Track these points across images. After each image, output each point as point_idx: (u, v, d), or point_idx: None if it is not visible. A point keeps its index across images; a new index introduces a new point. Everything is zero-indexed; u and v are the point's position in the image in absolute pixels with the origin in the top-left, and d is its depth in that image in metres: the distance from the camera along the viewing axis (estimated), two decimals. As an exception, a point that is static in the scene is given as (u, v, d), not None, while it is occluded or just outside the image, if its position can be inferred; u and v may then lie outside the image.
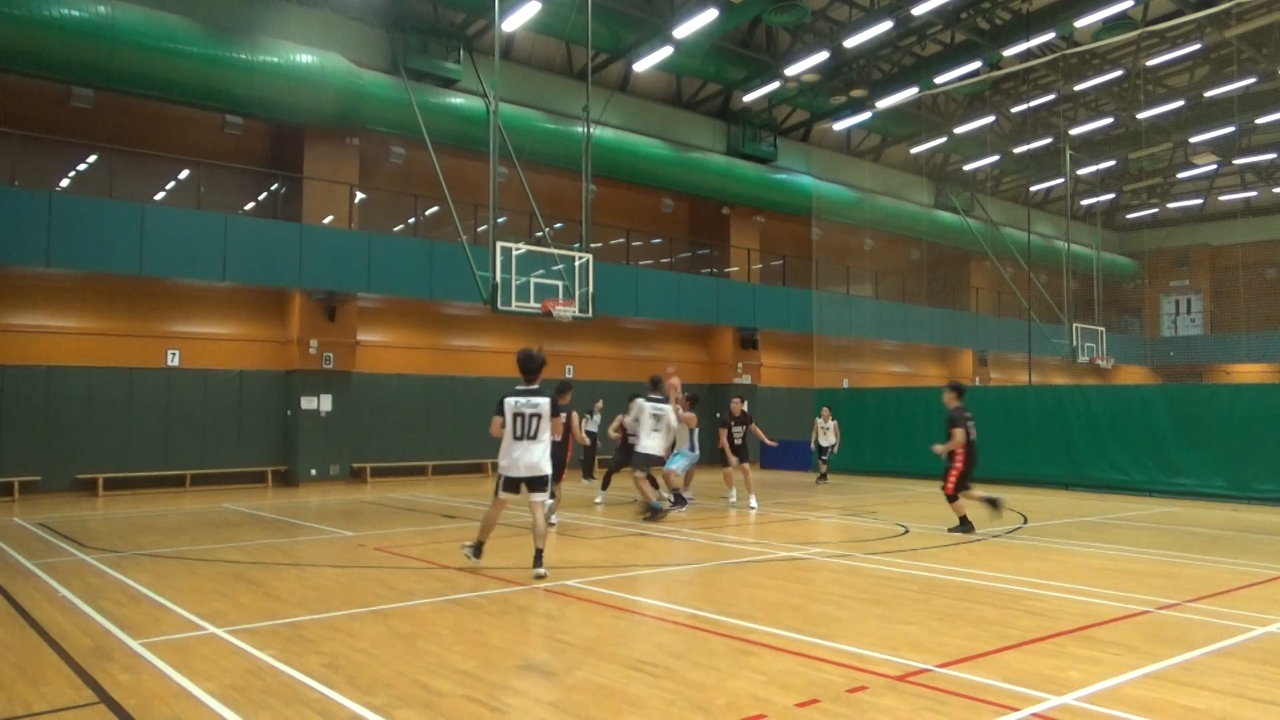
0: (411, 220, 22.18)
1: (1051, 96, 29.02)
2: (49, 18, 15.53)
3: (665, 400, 13.36)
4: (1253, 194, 39.01)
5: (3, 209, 15.32)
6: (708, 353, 27.25)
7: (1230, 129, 29.77)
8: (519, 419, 8.24)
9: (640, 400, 13.47)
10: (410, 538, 11.08)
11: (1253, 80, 26.30)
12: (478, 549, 8.75)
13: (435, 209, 21.43)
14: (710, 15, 19.37)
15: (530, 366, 8.44)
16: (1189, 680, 5.19)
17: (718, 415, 26.10)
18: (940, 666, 5.42)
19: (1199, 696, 4.91)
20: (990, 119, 29.19)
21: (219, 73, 17.29)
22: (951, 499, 11.27)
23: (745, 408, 15.48)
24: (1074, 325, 28.04)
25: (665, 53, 21.20)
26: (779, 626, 6.40)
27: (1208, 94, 27.68)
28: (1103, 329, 30.93)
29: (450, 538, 10.84)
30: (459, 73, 20.57)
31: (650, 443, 13.05)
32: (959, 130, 29.29)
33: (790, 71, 23.57)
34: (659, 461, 13.21)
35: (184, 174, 19.48)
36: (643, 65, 22.05)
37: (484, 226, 17.28)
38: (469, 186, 19.88)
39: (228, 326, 19.24)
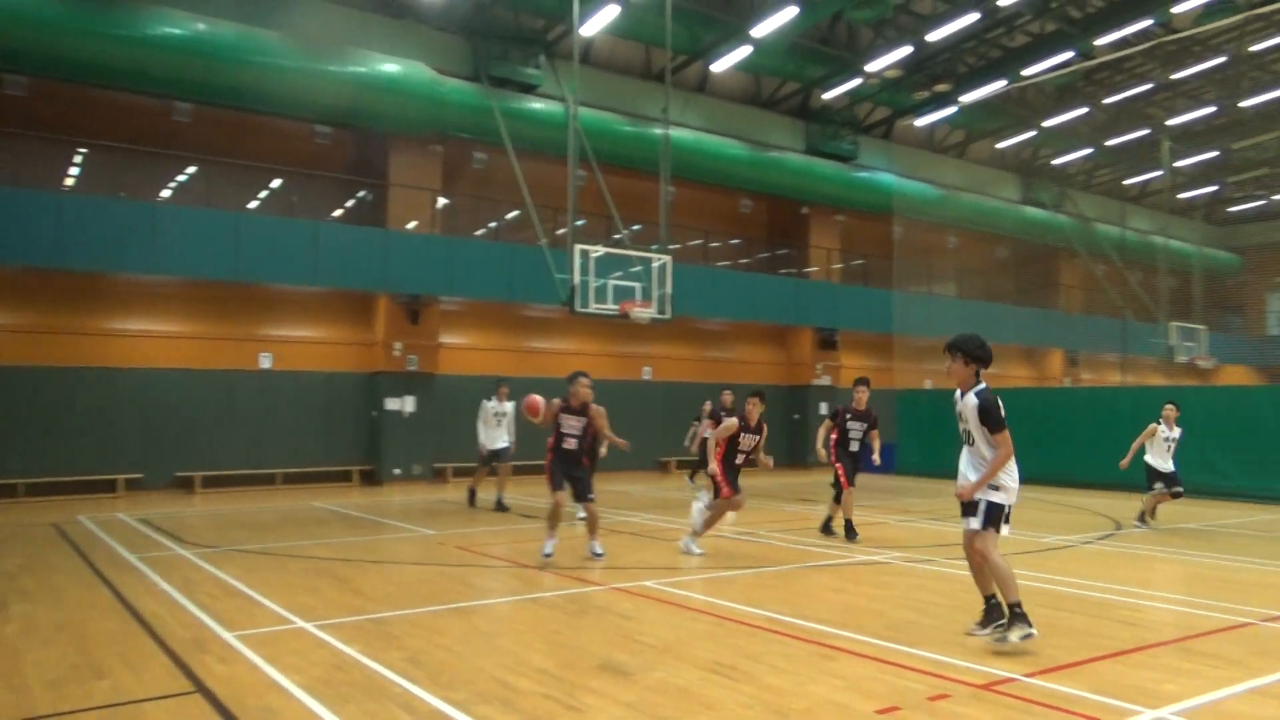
0: (493, 224, 22.54)
1: (1149, 86, 27.83)
2: (151, 36, 16.31)
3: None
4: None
5: (109, 219, 16.16)
6: (786, 354, 26.98)
7: (1344, 115, 28.14)
8: None
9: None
10: (490, 537, 11.26)
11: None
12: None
13: (516, 213, 21.73)
14: (790, 13, 19.19)
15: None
16: (1298, 698, 4.92)
17: (796, 417, 25.98)
18: (1027, 676, 5.26)
19: (1309, 715, 4.65)
20: (1082, 111, 28.19)
21: (309, 84, 17.88)
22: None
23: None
24: (1171, 324, 26.87)
25: (744, 52, 21.08)
26: (859, 632, 6.29)
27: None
28: (1204, 328, 29.56)
29: (529, 537, 10.96)
30: (539, 78, 20.83)
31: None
32: (1048, 123, 28.37)
33: (871, 68, 23.17)
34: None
35: (276, 183, 20.20)
36: (721, 65, 21.96)
37: (563, 229, 17.45)
38: (549, 190, 20.10)
39: (317, 330, 19.87)
